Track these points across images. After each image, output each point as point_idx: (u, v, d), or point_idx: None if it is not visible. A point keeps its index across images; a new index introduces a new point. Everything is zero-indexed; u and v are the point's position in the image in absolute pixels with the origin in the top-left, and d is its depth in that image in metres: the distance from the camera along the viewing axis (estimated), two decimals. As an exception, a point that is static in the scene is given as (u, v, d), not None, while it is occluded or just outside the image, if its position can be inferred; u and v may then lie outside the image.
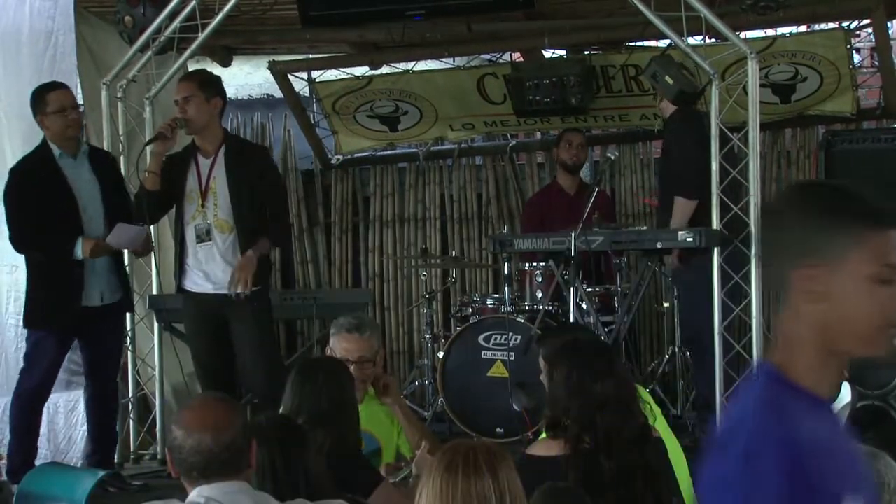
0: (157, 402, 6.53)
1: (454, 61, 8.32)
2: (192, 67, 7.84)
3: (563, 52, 8.21)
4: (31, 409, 5.78)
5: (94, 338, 5.88)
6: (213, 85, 5.79)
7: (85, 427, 6.58)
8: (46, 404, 6.00)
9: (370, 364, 4.62)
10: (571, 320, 6.16)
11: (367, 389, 4.65)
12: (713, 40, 6.44)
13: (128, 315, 6.56)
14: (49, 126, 5.67)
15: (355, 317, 4.85)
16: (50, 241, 5.63)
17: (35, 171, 5.69)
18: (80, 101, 7.19)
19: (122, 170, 6.65)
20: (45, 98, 5.65)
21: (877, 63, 7.74)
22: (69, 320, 5.68)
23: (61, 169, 5.67)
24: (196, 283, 5.72)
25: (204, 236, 5.66)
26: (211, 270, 5.68)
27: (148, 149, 5.70)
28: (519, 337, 6.49)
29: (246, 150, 5.95)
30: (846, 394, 5.34)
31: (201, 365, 5.86)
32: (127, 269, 6.55)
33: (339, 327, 4.70)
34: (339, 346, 4.65)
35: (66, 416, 6.51)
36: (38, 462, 5.80)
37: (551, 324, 6.42)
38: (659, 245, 6.20)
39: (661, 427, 3.92)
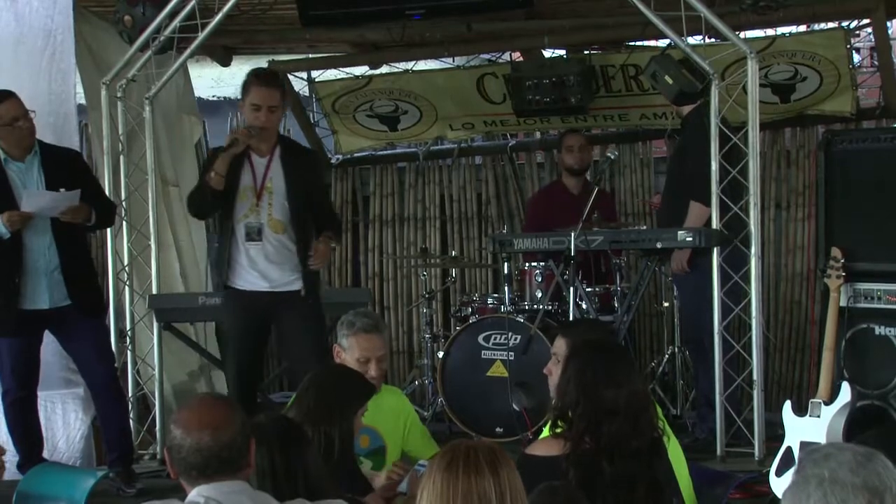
0: (157, 402, 6.53)
1: (454, 61, 8.32)
2: (191, 67, 7.87)
3: (562, 52, 8.20)
4: (18, 409, 5.78)
5: (63, 339, 5.85)
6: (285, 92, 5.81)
7: (84, 427, 6.60)
8: (44, 403, 5.98)
9: (384, 360, 4.75)
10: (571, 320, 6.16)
11: (381, 386, 4.71)
12: (713, 40, 6.43)
13: (128, 315, 6.60)
14: (2, 137, 5.60)
15: (366, 314, 4.89)
16: None
17: None
18: (81, 101, 7.23)
19: (122, 170, 6.68)
20: None
21: (876, 63, 7.73)
22: (10, 330, 5.62)
23: (5, 171, 5.60)
24: (249, 281, 5.64)
25: (255, 235, 5.60)
26: (265, 270, 5.62)
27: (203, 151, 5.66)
28: (518, 337, 6.49)
29: (299, 151, 5.92)
30: (845, 394, 5.35)
31: (237, 362, 5.73)
32: (126, 270, 6.58)
33: (356, 328, 4.72)
34: (359, 345, 4.68)
35: (65, 415, 6.50)
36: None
37: (551, 323, 6.42)
38: (659, 245, 6.19)
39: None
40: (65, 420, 6.51)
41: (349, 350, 4.69)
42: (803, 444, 5.21)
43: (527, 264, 7.10)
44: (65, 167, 5.76)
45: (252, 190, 5.61)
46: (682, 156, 6.50)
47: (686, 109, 6.43)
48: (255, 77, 5.74)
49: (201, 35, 6.41)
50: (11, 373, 5.72)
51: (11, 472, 5.75)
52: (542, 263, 6.98)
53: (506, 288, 6.78)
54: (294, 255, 5.65)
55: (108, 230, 6.60)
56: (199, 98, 8.51)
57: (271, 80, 5.77)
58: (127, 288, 6.61)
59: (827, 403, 5.34)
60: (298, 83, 8.53)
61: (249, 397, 5.62)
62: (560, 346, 4.10)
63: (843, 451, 2.17)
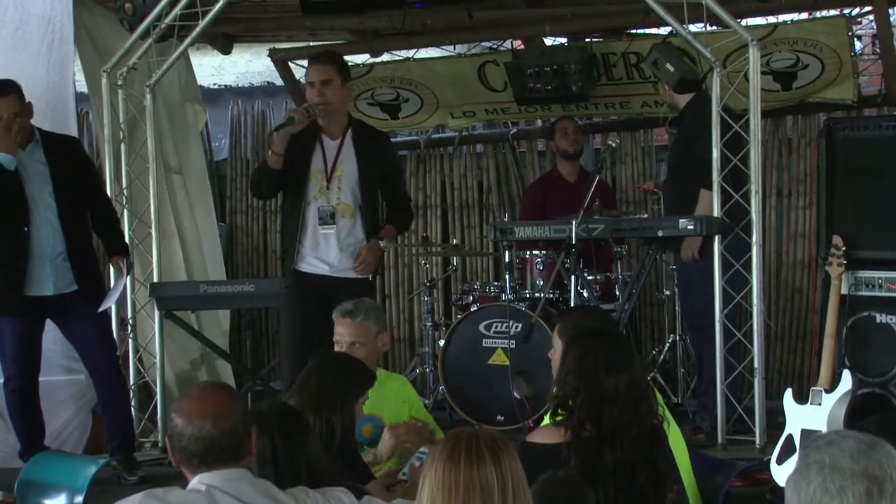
0: (158, 390, 6.53)
1: (455, 49, 8.31)
2: (192, 55, 7.85)
3: (563, 40, 8.20)
4: (19, 396, 5.78)
5: (65, 326, 5.86)
6: (347, 69, 5.83)
7: (83, 415, 6.61)
8: (44, 389, 5.98)
9: (362, 348, 4.72)
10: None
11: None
12: (714, 28, 6.41)
13: (129, 303, 6.59)
14: None
15: (355, 301, 4.93)
16: None
17: None
18: (80, 89, 7.23)
19: (123, 158, 6.68)
20: None
21: (878, 50, 7.72)
22: (13, 309, 5.62)
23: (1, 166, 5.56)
24: (312, 264, 5.68)
25: (328, 219, 5.62)
26: (328, 254, 5.66)
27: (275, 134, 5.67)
28: (520, 325, 6.49)
29: (371, 135, 5.92)
30: (846, 381, 5.35)
31: (288, 348, 5.72)
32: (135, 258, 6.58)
33: (336, 311, 4.84)
34: (335, 329, 4.80)
35: (64, 401, 6.50)
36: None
37: (552, 312, 6.42)
38: (660, 233, 6.18)
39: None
40: (64, 407, 6.51)
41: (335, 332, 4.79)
42: (804, 432, 5.22)
43: (528, 252, 7.10)
44: (66, 155, 5.76)
45: (322, 173, 5.63)
46: (690, 145, 6.38)
47: (682, 100, 6.41)
48: (309, 58, 5.89)
49: (202, 23, 6.40)
50: (13, 360, 5.72)
51: (13, 460, 5.79)
52: (543, 252, 6.97)
53: (507, 276, 6.78)
54: (362, 241, 5.65)
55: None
56: (200, 86, 8.50)
57: (323, 57, 5.86)
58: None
59: (828, 391, 5.34)
60: (299, 71, 8.50)
61: None
62: (556, 333, 4.12)
63: (846, 438, 2.17)
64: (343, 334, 4.78)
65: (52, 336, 6.01)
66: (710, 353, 6.23)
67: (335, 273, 5.64)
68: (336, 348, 4.76)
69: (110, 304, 5.95)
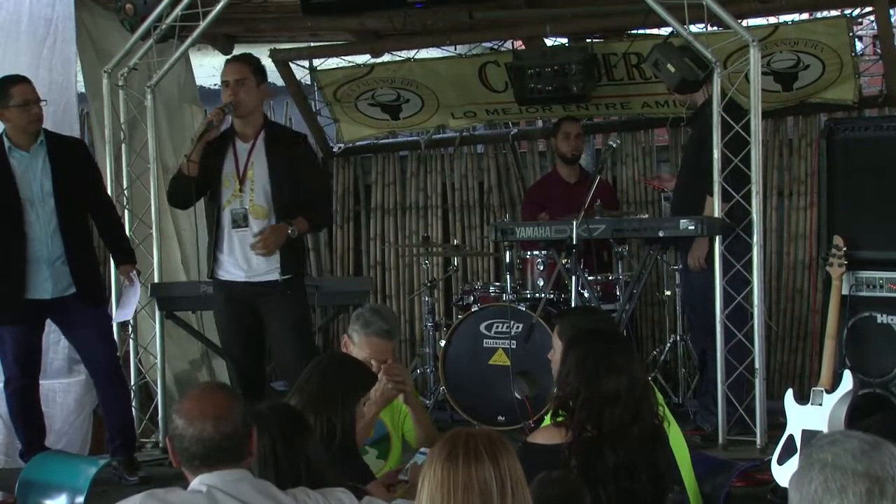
0: (159, 391, 6.53)
1: (455, 49, 8.31)
2: (193, 56, 7.85)
3: (564, 40, 8.19)
4: (20, 397, 5.78)
5: (65, 328, 5.86)
6: (263, 71, 5.78)
7: (84, 415, 6.61)
8: (44, 390, 5.99)
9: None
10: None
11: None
12: (715, 28, 6.42)
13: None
14: (11, 119, 5.58)
15: (384, 317, 4.78)
16: None
17: None
18: (82, 90, 7.24)
19: (124, 158, 6.68)
20: (9, 91, 5.53)
21: (879, 51, 7.72)
22: (15, 311, 5.62)
23: (9, 162, 5.58)
24: (229, 271, 5.64)
25: (241, 221, 5.57)
26: (246, 257, 5.60)
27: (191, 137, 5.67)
28: (520, 325, 6.49)
29: (285, 137, 5.89)
30: (847, 382, 5.35)
31: (231, 356, 5.75)
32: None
33: (371, 329, 4.67)
34: (370, 347, 4.64)
35: (65, 402, 6.50)
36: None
37: (553, 312, 6.42)
38: (661, 233, 6.17)
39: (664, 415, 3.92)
40: (65, 407, 6.51)
41: (358, 346, 4.66)
42: (805, 433, 5.22)
43: (528, 253, 7.10)
44: (70, 156, 5.76)
45: (234, 176, 5.59)
46: (703, 142, 6.23)
47: (700, 98, 6.38)
48: (226, 59, 5.95)
49: (203, 23, 6.40)
50: (14, 361, 5.72)
51: (14, 461, 5.79)
52: (544, 252, 6.97)
53: (507, 276, 6.78)
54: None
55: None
56: (201, 87, 8.50)
57: (237, 56, 5.94)
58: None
59: (829, 392, 5.34)
60: (300, 72, 8.51)
61: (252, 388, 5.58)
62: (555, 334, 4.13)
63: (849, 437, 2.17)
64: (379, 353, 4.63)
65: (52, 337, 6.02)
66: (712, 354, 6.22)
67: (252, 278, 5.59)
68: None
69: (128, 316, 5.97)
